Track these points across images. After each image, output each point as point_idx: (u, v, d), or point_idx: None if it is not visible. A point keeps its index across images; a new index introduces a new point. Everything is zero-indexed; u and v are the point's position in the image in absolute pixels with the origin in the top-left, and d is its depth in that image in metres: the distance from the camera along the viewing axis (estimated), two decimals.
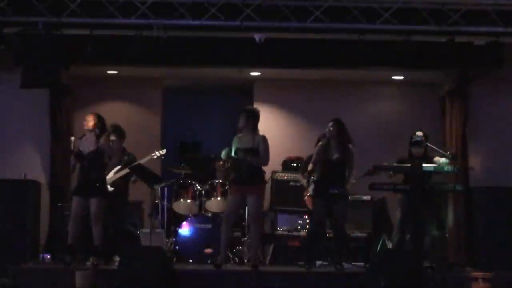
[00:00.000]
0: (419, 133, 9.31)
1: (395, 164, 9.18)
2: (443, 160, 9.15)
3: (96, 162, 8.88)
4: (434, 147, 9.38)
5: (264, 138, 8.78)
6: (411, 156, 9.27)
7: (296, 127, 11.46)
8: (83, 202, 8.82)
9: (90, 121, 8.89)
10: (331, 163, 8.87)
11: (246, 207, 9.19)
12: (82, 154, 8.82)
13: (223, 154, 8.86)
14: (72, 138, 8.96)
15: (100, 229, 8.80)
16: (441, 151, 9.39)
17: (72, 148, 8.85)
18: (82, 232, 8.93)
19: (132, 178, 9.45)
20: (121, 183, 9.42)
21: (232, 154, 8.74)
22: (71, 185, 9.84)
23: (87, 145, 8.87)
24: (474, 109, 10.47)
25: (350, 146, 8.94)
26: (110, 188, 9.26)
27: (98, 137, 8.88)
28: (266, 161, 8.82)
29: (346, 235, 9.14)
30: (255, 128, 8.81)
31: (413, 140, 9.28)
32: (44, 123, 10.23)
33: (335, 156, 8.86)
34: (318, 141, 9.24)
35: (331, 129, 8.91)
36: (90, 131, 8.89)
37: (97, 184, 8.84)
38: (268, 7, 8.96)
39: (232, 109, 10.38)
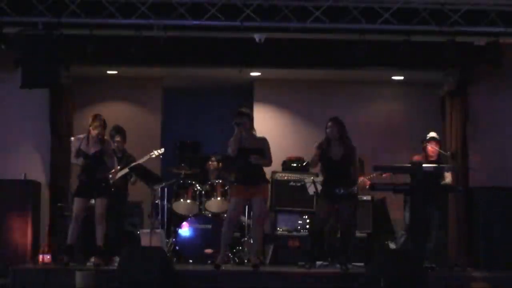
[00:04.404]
0: (433, 133, 9.35)
1: (395, 165, 9.18)
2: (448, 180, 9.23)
3: (101, 162, 8.89)
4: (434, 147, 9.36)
5: (267, 140, 8.81)
6: (426, 157, 9.24)
7: (296, 127, 11.45)
8: (85, 203, 8.86)
9: (100, 124, 8.81)
10: (335, 163, 8.78)
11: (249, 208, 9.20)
12: (86, 154, 8.81)
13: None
14: (72, 138, 8.97)
15: (103, 230, 8.84)
16: (441, 151, 9.39)
17: (72, 149, 8.84)
18: (80, 233, 8.94)
19: (132, 179, 9.44)
20: (121, 183, 9.41)
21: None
22: (71, 185, 9.84)
23: (91, 145, 8.85)
24: (474, 109, 10.45)
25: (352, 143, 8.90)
26: None
27: (101, 138, 8.87)
28: (271, 163, 8.92)
29: (352, 235, 9.08)
30: (252, 129, 8.83)
31: (428, 138, 9.28)
32: (44, 123, 10.21)
33: (340, 155, 8.77)
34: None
35: (333, 128, 8.81)
36: (98, 132, 8.80)
37: (103, 184, 8.87)
38: (268, 7, 8.97)
39: (232, 109, 10.29)
